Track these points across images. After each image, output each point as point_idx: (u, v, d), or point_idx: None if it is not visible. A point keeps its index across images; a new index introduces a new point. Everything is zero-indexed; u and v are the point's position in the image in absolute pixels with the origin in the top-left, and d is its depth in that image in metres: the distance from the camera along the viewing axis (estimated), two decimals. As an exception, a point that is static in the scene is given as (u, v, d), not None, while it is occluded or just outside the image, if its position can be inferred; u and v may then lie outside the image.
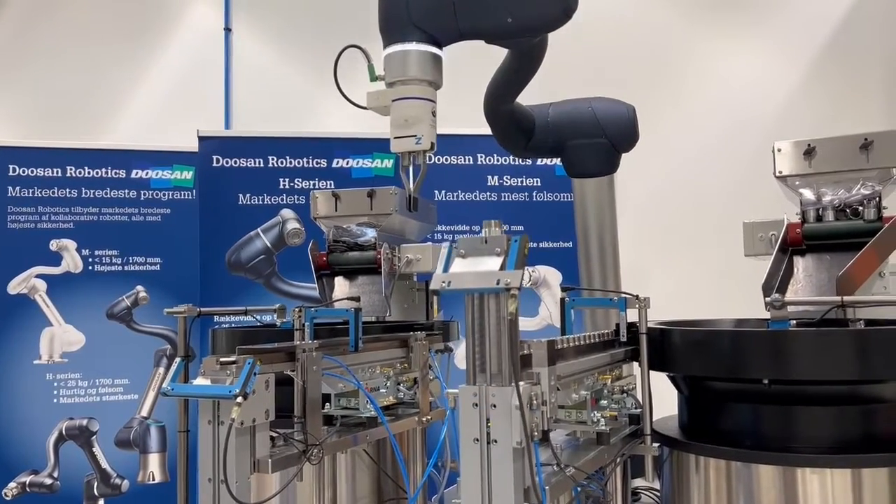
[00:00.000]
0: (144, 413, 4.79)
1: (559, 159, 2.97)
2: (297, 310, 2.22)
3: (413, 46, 2.00)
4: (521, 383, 1.41)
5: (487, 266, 1.45)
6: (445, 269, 1.49)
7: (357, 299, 2.24)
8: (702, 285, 5.12)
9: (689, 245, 5.21)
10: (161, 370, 4.85)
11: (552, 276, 4.74)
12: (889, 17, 5.05)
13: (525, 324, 4.69)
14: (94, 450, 4.68)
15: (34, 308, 4.68)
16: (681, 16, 5.52)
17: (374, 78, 2.08)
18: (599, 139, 2.77)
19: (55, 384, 4.69)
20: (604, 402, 1.92)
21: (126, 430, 4.75)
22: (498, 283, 1.43)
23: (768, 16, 5.28)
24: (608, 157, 2.85)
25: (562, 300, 2.13)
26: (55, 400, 4.67)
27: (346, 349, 2.08)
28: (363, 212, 3.19)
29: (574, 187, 3.04)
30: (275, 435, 1.85)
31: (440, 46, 2.06)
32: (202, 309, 2.69)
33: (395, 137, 2.07)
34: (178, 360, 1.81)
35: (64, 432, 4.64)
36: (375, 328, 2.53)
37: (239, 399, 1.62)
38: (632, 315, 2.06)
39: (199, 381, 1.73)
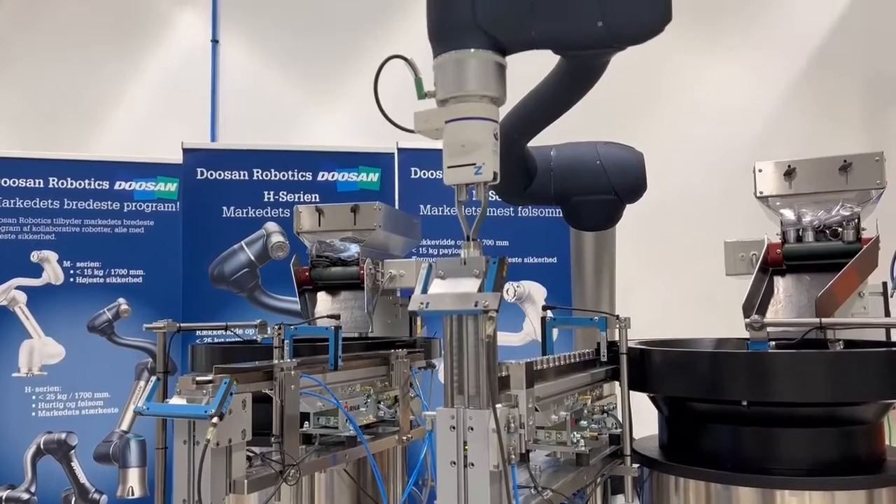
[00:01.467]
0: (124, 427, 4.74)
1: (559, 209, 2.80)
2: (276, 327, 2.20)
3: (473, 54, 1.60)
4: (499, 406, 1.40)
5: (466, 288, 1.45)
6: (424, 290, 1.48)
7: (337, 317, 2.23)
8: (686, 303, 5.14)
9: (674, 262, 5.24)
10: (142, 384, 4.80)
11: (537, 292, 4.74)
12: (868, 41, 5.12)
13: (509, 339, 4.71)
14: (72, 464, 4.62)
15: (14, 320, 4.63)
16: (665, 36, 5.56)
17: (422, 95, 1.69)
18: (607, 196, 2.59)
19: (34, 397, 4.63)
20: (584, 423, 1.92)
21: (105, 444, 4.69)
22: (476, 305, 1.42)
23: (751, 38, 5.34)
24: (615, 211, 2.73)
25: (543, 319, 2.12)
26: (33, 413, 4.62)
27: (325, 367, 2.06)
28: (347, 227, 3.19)
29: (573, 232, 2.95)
30: (251, 455, 1.83)
31: (505, 54, 1.68)
32: (182, 325, 2.67)
33: (450, 167, 1.63)
34: (153, 378, 1.78)
35: (42, 446, 4.58)
36: (357, 345, 2.52)
37: (214, 420, 1.60)
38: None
39: (175, 400, 1.71)
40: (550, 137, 2.67)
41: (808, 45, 5.20)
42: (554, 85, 2.02)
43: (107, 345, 4.77)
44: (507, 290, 4.71)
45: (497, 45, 1.64)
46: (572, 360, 1.92)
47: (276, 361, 1.86)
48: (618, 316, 2.03)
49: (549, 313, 2.13)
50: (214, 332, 4.22)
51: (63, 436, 4.63)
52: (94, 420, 4.69)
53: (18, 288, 4.67)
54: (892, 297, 2.60)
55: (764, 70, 5.30)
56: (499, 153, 1.65)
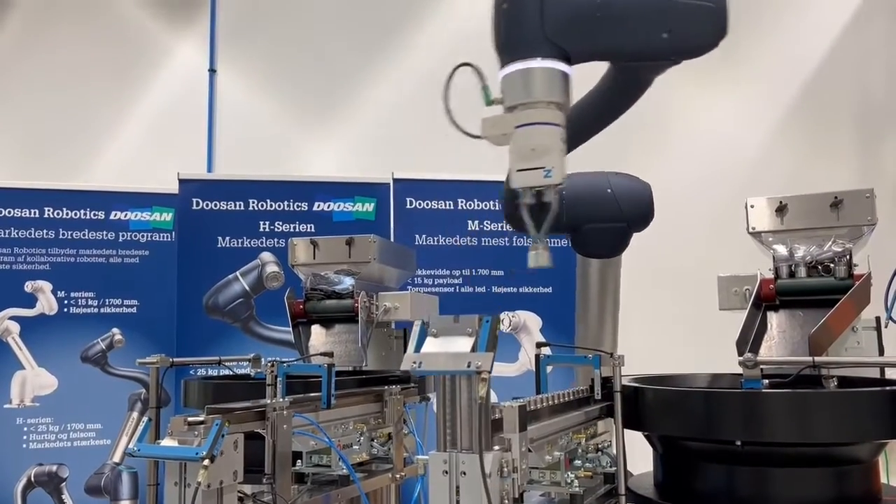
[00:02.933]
0: (116, 459, 4.69)
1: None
2: (269, 364, 2.20)
3: (541, 63, 1.67)
4: (491, 453, 1.40)
5: (459, 347, 1.45)
6: (417, 349, 1.48)
7: (331, 354, 2.22)
8: (681, 332, 5.14)
9: (669, 292, 5.24)
10: (135, 415, 4.77)
11: (532, 322, 4.74)
12: (857, 75, 5.18)
13: (505, 369, 4.70)
14: (63, 497, 4.57)
15: (6, 350, 4.61)
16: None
17: (489, 102, 1.72)
18: (618, 224, 2.62)
19: (25, 428, 4.59)
20: (578, 462, 1.91)
21: (97, 477, 4.65)
22: (469, 366, 1.42)
23: (742, 71, 5.40)
24: (623, 239, 2.72)
25: (536, 357, 2.12)
26: (24, 445, 4.58)
27: (318, 405, 2.05)
28: (341, 259, 3.19)
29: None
30: (243, 496, 1.82)
31: (570, 64, 1.76)
32: (175, 359, 2.65)
33: (519, 170, 1.67)
34: (145, 418, 1.77)
35: (33, 479, 4.54)
36: (351, 380, 2.51)
37: (206, 462, 1.59)
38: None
39: (167, 441, 1.70)
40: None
41: (797, 79, 5.26)
42: (599, 98, 2.09)
43: (100, 375, 4.74)
44: (503, 320, 4.71)
45: (563, 54, 1.72)
46: (566, 399, 1.91)
47: (268, 401, 1.85)
48: (612, 354, 2.02)
49: (543, 350, 2.13)
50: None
51: (54, 468, 4.59)
52: (86, 452, 4.66)
53: (12, 318, 4.65)
54: (885, 327, 2.61)
55: (755, 103, 5.36)
56: (565, 156, 1.73)
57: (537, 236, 1.74)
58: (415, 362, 1.45)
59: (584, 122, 2.14)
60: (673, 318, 5.18)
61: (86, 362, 4.73)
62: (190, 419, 1.68)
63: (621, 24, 1.72)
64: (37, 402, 4.62)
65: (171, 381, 4.58)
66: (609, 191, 2.56)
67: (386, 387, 2.38)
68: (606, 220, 2.55)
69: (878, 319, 2.49)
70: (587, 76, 2.08)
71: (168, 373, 2.80)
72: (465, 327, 1.47)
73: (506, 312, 4.73)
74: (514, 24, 1.73)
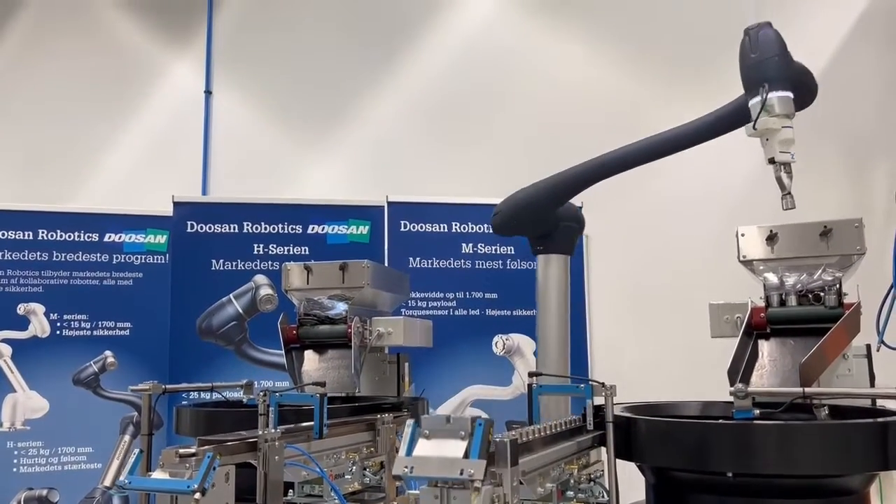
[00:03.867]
0: (107, 483, 4.66)
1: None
2: (261, 394, 2.20)
3: (788, 94, 2.55)
4: (482, 487, 1.40)
5: (451, 451, 1.42)
6: (409, 452, 1.46)
7: (323, 384, 2.22)
8: (671, 357, 5.14)
9: (659, 316, 5.26)
10: (127, 438, 4.75)
11: (525, 344, 4.74)
12: (847, 103, 5.24)
13: (498, 393, 4.70)
14: (53, 521, 4.54)
15: (-2, 373, 4.59)
16: (651, 97, 5.69)
17: (762, 110, 2.53)
18: (574, 224, 3.27)
19: (16, 452, 4.57)
20: (570, 493, 1.91)
21: (88, 501, 4.62)
22: (461, 473, 1.39)
23: (733, 96, 5.45)
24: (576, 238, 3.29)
25: (529, 386, 2.13)
26: (15, 469, 4.55)
27: (310, 435, 2.05)
28: (335, 284, 3.19)
29: (540, 266, 3.21)
30: (234, 527, 1.81)
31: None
32: (167, 386, 2.65)
33: (781, 151, 2.52)
34: (136, 451, 1.77)
35: (23, 503, 4.50)
36: (344, 408, 2.51)
37: (197, 495, 1.58)
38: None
39: (158, 473, 1.69)
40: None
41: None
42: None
43: (91, 398, 4.72)
44: (496, 344, 4.72)
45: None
46: (559, 430, 1.91)
47: (260, 432, 1.85)
48: (603, 384, 2.03)
49: (535, 380, 2.13)
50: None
51: (44, 492, 4.55)
52: (77, 475, 4.63)
53: (4, 341, 4.64)
54: (877, 350, 2.63)
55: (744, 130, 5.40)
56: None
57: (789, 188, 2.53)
58: (406, 467, 1.43)
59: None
60: (663, 342, 5.19)
61: (78, 385, 4.71)
62: (181, 451, 1.68)
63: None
64: (28, 425, 4.60)
65: (164, 405, 4.56)
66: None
67: (378, 415, 2.37)
68: (570, 221, 3.23)
69: (868, 347, 2.51)
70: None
71: (162, 395, 2.80)
72: (457, 429, 1.44)
73: (499, 335, 4.73)
74: (784, 70, 2.61)
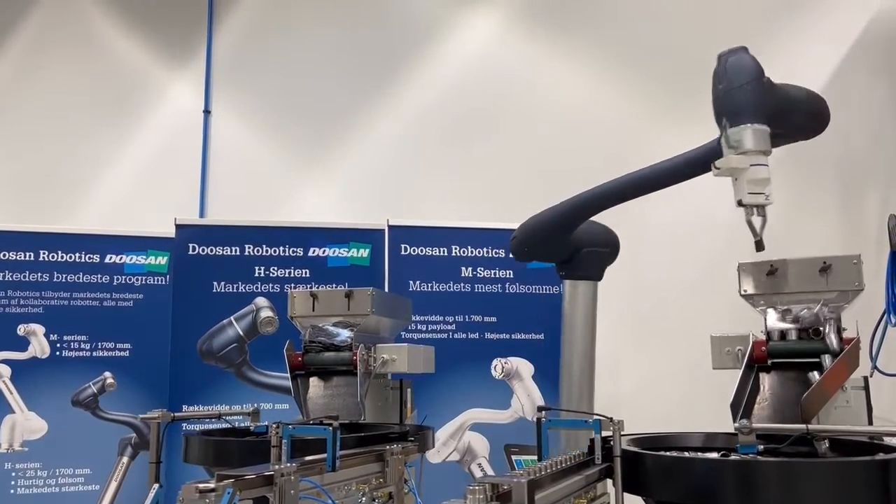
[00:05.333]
0: (105, 504, 4.66)
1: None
2: (274, 426, 2.23)
3: (765, 128, 2.35)
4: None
5: None
6: None
7: (336, 417, 2.26)
8: (668, 381, 5.19)
9: (659, 340, 5.31)
10: (125, 459, 4.75)
11: (524, 368, 4.78)
12: (840, 131, 5.34)
13: (497, 416, 4.73)
14: (50, 543, 4.52)
15: (-4, 394, 4.59)
16: (644, 113, 5.77)
17: (729, 146, 2.36)
18: (604, 249, 3.24)
19: (13, 474, 4.56)
20: (579, 527, 1.94)
21: (85, 523, 4.61)
22: None
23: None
24: (605, 264, 3.26)
25: (538, 420, 2.16)
26: (12, 491, 4.54)
27: (323, 468, 2.08)
28: (340, 312, 3.23)
29: (566, 292, 3.21)
30: (250, 561, 1.83)
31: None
32: (176, 414, 2.68)
33: (750, 193, 2.34)
34: (155, 486, 1.79)
35: (19, 525, 4.49)
36: (351, 438, 2.54)
37: None
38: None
39: None
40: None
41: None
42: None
43: (90, 419, 4.72)
44: (495, 367, 4.75)
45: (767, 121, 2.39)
46: (568, 464, 1.95)
47: (275, 466, 1.88)
48: (611, 419, 2.07)
49: (544, 415, 2.17)
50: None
51: (41, 513, 4.54)
52: (75, 497, 4.62)
53: (3, 361, 4.64)
54: (871, 376, 2.69)
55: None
56: None
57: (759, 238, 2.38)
58: None
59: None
60: (660, 366, 5.24)
61: (77, 406, 4.71)
62: (201, 487, 1.71)
63: (793, 117, 2.60)
64: (26, 446, 4.59)
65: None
66: (595, 221, 3.16)
67: (387, 446, 2.40)
68: (597, 245, 3.18)
69: (866, 380, 2.57)
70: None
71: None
72: None
73: (498, 359, 4.77)
74: (754, 101, 2.40)
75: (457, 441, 4.60)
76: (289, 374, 3.05)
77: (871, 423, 2.47)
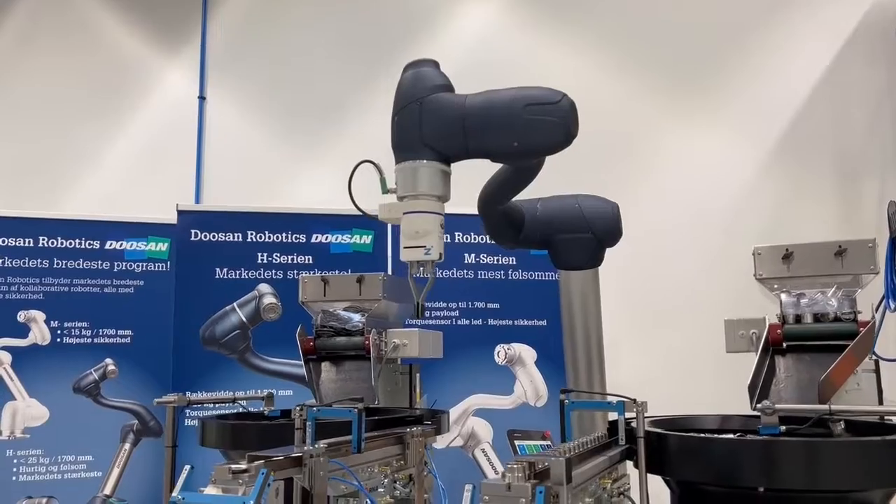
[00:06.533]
0: (107, 491, 4.65)
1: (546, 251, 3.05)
2: (298, 408, 2.23)
3: (424, 164, 2.09)
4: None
5: None
6: None
7: (361, 400, 2.26)
8: (669, 361, 5.24)
9: (657, 320, 5.35)
10: (127, 446, 4.73)
11: (527, 354, 4.80)
12: (837, 120, 5.38)
13: (500, 402, 4.75)
14: (52, 530, 4.51)
15: (-3, 381, 4.56)
16: (649, 109, 5.78)
17: (385, 191, 2.15)
18: (585, 234, 2.89)
19: (15, 461, 4.53)
20: (604, 508, 1.96)
21: (87, 510, 4.59)
22: None
23: (724, 114, 5.58)
24: (593, 251, 2.95)
25: (561, 402, 2.17)
26: (14, 478, 4.51)
27: (348, 450, 2.09)
28: (351, 297, 3.23)
29: (560, 279, 3.11)
30: (280, 542, 1.83)
31: (449, 163, 2.17)
32: (192, 398, 2.67)
33: (405, 247, 2.13)
34: (187, 467, 1.79)
35: (21, 512, 4.47)
36: (370, 421, 2.54)
37: None
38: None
39: (211, 489, 1.72)
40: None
41: (777, 124, 5.45)
42: (507, 172, 2.46)
43: (92, 406, 4.70)
44: (498, 353, 4.77)
45: (441, 156, 2.13)
46: (595, 445, 1.97)
47: (305, 447, 1.88)
48: (635, 400, 2.09)
49: (567, 397, 2.18)
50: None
51: (44, 500, 4.52)
52: (77, 484, 4.60)
53: (3, 348, 4.60)
54: (870, 358, 2.73)
55: (735, 147, 5.54)
56: (443, 238, 2.19)
57: (419, 300, 2.27)
58: None
59: (503, 189, 2.56)
60: (662, 355, 5.28)
61: (78, 393, 4.69)
62: (233, 468, 1.71)
63: (479, 134, 2.10)
64: (27, 433, 4.57)
65: (162, 414, 4.56)
66: (577, 205, 2.91)
67: (408, 429, 2.41)
68: (575, 232, 2.88)
69: (877, 363, 2.60)
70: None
71: (168, 407, 2.81)
72: (517, 496, 1.46)
73: (501, 345, 4.78)
74: (402, 132, 2.14)
75: (460, 426, 4.62)
76: (301, 360, 3.05)
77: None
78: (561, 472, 1.54)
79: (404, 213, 2.08)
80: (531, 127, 2.05)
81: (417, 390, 3.47)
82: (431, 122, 2.09)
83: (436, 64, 2.23)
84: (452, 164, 2.25)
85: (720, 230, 5.34)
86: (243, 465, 1.72)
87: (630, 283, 5.40)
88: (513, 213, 2.89)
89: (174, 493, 1.73)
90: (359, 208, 2.23)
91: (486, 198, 2.66)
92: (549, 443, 4.61)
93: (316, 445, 1.93)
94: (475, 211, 4.90)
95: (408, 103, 2.11)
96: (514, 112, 2.06)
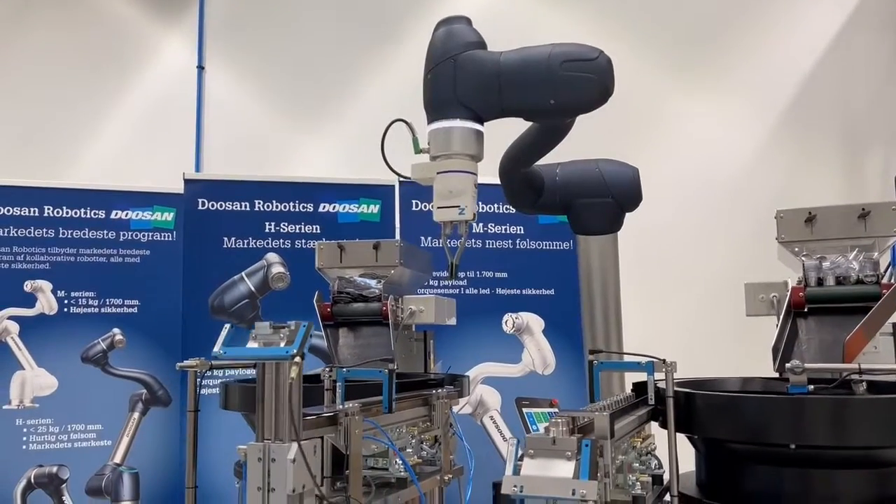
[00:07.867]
0: (118, 460, 4.65)
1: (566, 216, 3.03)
2: (328, 369, 2.23)
3: (458, 123, 2.07)
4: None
5: (560, 471, 1.42)
6: (515, 472, 1.45)
7: (392, 360, 2.26)
8: (674, 327, 5.27)
9: (665, 285, 5.38)
10: (136, 415, 4.74)
11: (535, 323, 4.81)
12: (843, 89, 5.38)
13: (508, 370, 4.77)
14: (63, 498, 4.52)
15: (6, 351, 4.53)
16: (658, 80, 5.76)
17: (418, 150, 2.12)
18: (605, 199, 2.85)
19: (25, 430, 4.53)
20: (636, 465, 1.98)
21: (98, 478, 4.60)
22: (574, 494, 1.39)
23: (731, 82, 5.57)
24: (613, 216, 2.92)
25: (590, 363, 2.19)
26: (24, 447, 4.51)
27: (379, 410, 2.10)
28: (368, 263, 3.23)
29: (579, 243, 3.10)
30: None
31: (482, 122, 2.15)
32: (214, 362, 2.66)
33: (439, 207, 2.09)
34: (227, 326, 1.81)
35: (33, 480, 4.48)
36: (397, 383, 2.54)
37: (297, 359, 1.62)
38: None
39: (252, 344, 1.73)
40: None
41: (784, 92, 5.45)
42: (535, 132, 2.43)
43: (100, 376, 4.69)
44: (506, 322, 4.78)
45: (475, 115, 2.11)
46: (626, 404, 1.98)
47: (339, 406, 1.88)
48: (664, 360, 2.10)
49: (596, 358, 2.20)
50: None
51: (54, 469, 4.53)
52: (87, 453, 4.60)
53: (11, 318, 4.58)
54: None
55: (742, 115, 5.53)
56: (476, 198, 2.17)
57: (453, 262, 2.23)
58: (515, 486, 1.42)
59: (528, 152, 2.54)
60: (669, 308, 5.31)
61: (86, 363, 4.68)
62: (274, 323, 1.72)
63: (515, 92, 2.08)
64: (37, 402, 4.56)
65: (176, 381, 4.56)
66: (597, 169, 2.88)
67: (434, 391, 2.42)
68: (595, 196, 2.83)
69: (894, 326, 2.62)
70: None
71: (171, 373, 2.79)
72: (563, 450, 1.45)
73: (509, 314, 4.80)
74: (436, 91, 2.12)
75: (469, 394, 4.64)
76: (320, 325, 3.05)
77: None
78: (605, 426, 1.56)
79: (438, 173, 2.05)
80: (568, 84, 2.02)
81: (432, 357, 3.48)
82: (466, 80, 2.07)
83: (468, 21, 2.20)
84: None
85: (724, 201, 5.36)
86: (283, 322, 1.73)
87: (635, 247, 5.42)
88: (533, 178, 2.87)
89: (216, 349, 1.73)
90: (392, 169, 2.21)
91: (510, 161, 2.63)
92: (556, 410, 4.64)
93: (352, 405, 1.93)
94: (483, 179, 4.93)
95: (441, 61, 2.08)
96: (551, 69, 2.03)
